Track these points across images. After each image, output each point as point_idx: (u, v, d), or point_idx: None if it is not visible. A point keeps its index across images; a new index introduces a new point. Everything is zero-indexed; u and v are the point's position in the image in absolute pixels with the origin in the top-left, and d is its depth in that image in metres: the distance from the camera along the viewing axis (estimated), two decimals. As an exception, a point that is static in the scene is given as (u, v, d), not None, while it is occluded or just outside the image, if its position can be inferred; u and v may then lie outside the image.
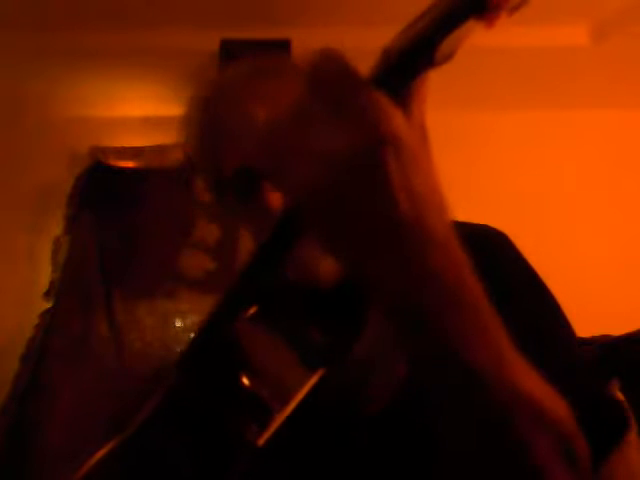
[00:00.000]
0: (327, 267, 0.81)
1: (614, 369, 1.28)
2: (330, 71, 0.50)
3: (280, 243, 0.60)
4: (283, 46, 2.31)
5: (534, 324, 0.79)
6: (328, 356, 0.77)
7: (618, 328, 1.67)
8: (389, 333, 0.78)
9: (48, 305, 2.61)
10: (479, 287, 0.55)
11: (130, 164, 2.74)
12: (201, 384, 0.71)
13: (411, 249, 0.51)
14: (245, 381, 0.69)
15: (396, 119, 0.50)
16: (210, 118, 0.88)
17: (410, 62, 0.53)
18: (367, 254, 0.52)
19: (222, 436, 0.71)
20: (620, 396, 0.95)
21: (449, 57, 0.52)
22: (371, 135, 0.49)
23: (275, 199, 0.81)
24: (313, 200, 0.51)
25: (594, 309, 2.46)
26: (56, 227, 2.69)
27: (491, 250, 0.83)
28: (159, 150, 2.65)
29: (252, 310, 0.67)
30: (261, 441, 0.69)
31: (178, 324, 2.62)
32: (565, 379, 0.73)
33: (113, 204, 2.71)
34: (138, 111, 2.70)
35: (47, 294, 2.62)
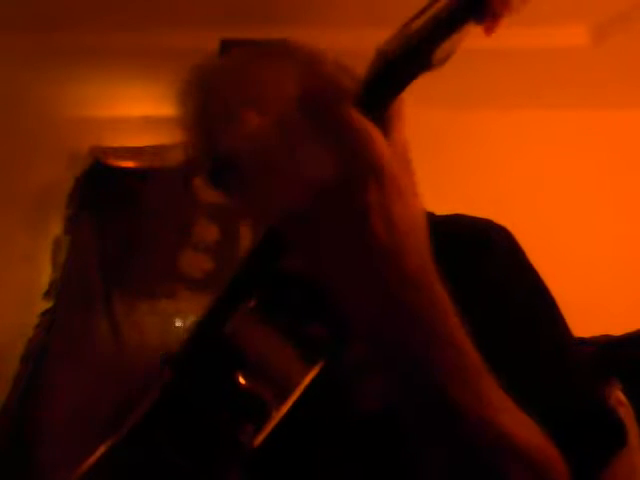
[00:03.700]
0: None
1: (614, 369, 1.28)
2: (323, 94, 0.52)
3: (272, 245, 0.60)
4: (283, 46, 2.31)
5: (530, 323, 0.78)
6: (326, 350, 0.76)
7: (618, 328, 1.67)
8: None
9: (48, 305, 2.61)
10: (458, 325, 0.55)
11: (130, 164, 2.74)
12: (196, 383, 0.71)
13: (386, 280, 0.52)
14: (241, 380, 0.69)
15: (381, 148, 0.50)
16: (209, 97, 0.88)
17: (408, 64, 0.53)
18: (343, 281, 0.53)
19: (217, 437, 0.71)
20: (622, 397, 0.94)
21: (446, 59, 0.53)
22: (357, 166, 0.50)
23: None
24: (290, 223, 0.53)
25: (594, 309, 2.46)
26: (56, 227, 2.69)
27: (491, 245, 0.82)
28: (159, 150, 2.65)
29: (250, 304, 0.66)
30: (257, 442, 0.68)
31: (178, 324, 2.62)
32: (558, 384, 0.73)
33: (113, 204, 2.71)
34: (138, 111, 2.70)
35: (47, 294, 2.62)
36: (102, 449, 0.77)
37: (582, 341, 1.68)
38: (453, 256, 0.80)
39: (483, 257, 0.81)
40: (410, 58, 0.53)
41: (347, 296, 0.53)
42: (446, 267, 0.79)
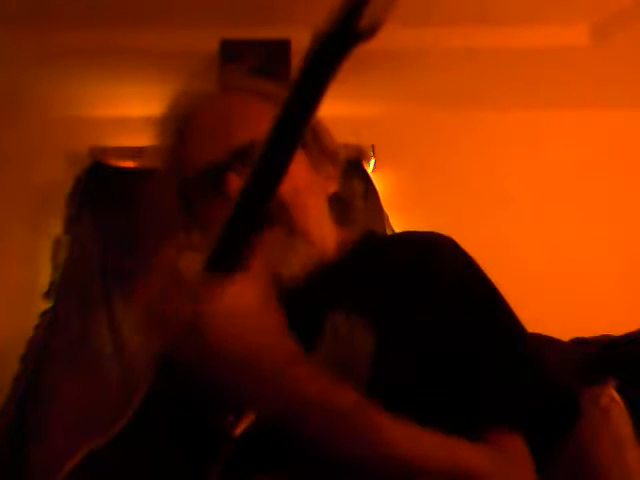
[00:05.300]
0: (291, 266, 0.89)
1: (614, 369, 1.28)
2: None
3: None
4: (283, 46, 2.31)
5: (482, 322, 0.82)
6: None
7: (618, 328, 1.67)
8: (352, 334, 0.81)
9: (48, 305, 2.60)
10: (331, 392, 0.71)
11: (130, 164, 2.74)
12: (178, 378, 0.73)
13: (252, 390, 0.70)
14: None
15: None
16: (186, 126, 0.99)
17: (339, 33, 0.57)
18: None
19: (199, 428, 0.72)
20: (616, 396, 0.95)
21: (375, 28, 0.54)
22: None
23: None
24: None
25: (594, 309, 2.46)
26: (56, 227, 2.69)
27: (436, 255, 0.87)
28: (159, 150, 2.65)
29: None
30: (237, 432, 0.71)
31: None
32: (513, 369, 0.80)
33: (113, 204, 2.71)
34: (138, 111, 2.70)
35: (47, 294, 2.62)
36: (87, 449, 0.78)
37: (582, 341, 1.68)
38: (406, 265, 0.85)
39: (434, 267, 0.86)
40: (337, 32, 0.57)
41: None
42: (399, 275, 0.84)
